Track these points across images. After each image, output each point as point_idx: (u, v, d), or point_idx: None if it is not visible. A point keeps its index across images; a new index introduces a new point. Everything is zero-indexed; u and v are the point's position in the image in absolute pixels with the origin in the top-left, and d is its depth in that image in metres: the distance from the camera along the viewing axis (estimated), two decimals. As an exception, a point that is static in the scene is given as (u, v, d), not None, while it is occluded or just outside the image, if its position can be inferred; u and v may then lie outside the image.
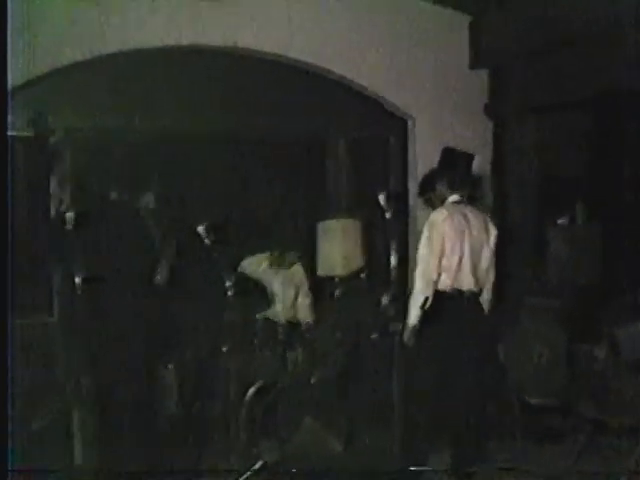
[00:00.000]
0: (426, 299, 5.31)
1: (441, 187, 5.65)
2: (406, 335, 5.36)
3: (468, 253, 5.48)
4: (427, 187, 5.78)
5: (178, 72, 6.58)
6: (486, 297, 5.62)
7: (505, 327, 6.10)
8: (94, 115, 6.38)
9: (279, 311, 6.12)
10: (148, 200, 5.63)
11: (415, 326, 5.35)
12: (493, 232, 5.65)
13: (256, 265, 6.28)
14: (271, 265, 6.25)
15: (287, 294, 6.26)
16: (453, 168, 5.76)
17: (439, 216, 5.48)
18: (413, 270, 6.21)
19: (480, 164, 6.67)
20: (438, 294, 5.44)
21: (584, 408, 5.54)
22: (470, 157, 5.93)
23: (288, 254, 6.27)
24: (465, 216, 5.53)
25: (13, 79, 5.80)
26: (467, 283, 5.50)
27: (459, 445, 5.63)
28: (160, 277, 5.42)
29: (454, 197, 5.59)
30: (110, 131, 6.49)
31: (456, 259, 5.44)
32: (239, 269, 6.08)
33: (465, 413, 5.61)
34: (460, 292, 5.48)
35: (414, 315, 5.34)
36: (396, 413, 5.46)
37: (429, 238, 5.43)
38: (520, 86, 6.88)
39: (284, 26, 6.59)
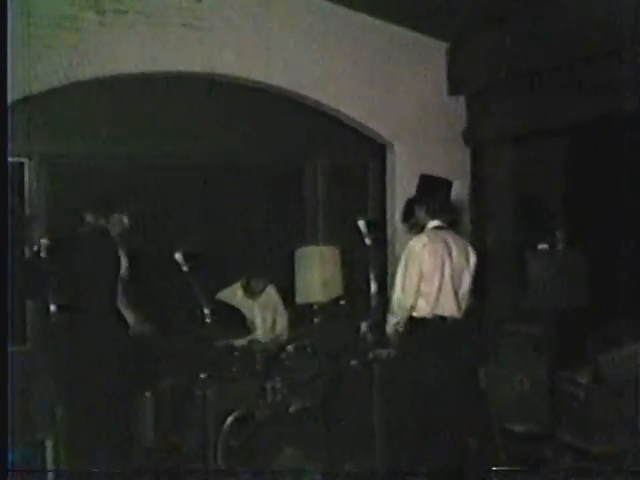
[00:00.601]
0: (397, 323, 5.29)
1: (420, 213, 5.63)
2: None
3: (448, 278, 5.45)
4: (408, 214, 5.76)
5: (155, 98, 6.55)
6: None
7: (486, 354, 6.06)
8: (69, 141, 6.32)
9: (259, 336, 6.09)
10: (122, 227, 5.56)
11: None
12: (473, 258, 5.64)
13: (231, 296, 6.31)
14: (245, 293, 6.27)
15: (266, 319, 6.28)
16: (431, 194, 5.75)
17: (418, 243, 5.46)
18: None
19: (459, 190, 6.67)
20: (418, 321, 5.41)
21: (566, 435, 5.50)
22: (448, 183, 5.94)
23: (256, 281, 6.30)
24: (446, 242, 5.50)
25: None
26: (449, 309, 5.46)
27: (441, 471, 5.57)
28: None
29: (434, 223, 5.56)
30: (85, 157, 6.43)
31: (436, 285, 5.41)
32: (217, 298, 6.07)
33: (446, 441, 5.56)
34: (442, 318, 5.45)
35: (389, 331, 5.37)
36: (377, 440, 5.40)
37: (406, 264, 5.41)
38: (498, 113, 6.90)
39: (262, 53, 6.59)
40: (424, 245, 5.43)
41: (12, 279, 5.86)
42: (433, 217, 5.57)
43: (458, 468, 5.48)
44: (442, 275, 5.43)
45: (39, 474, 4.67)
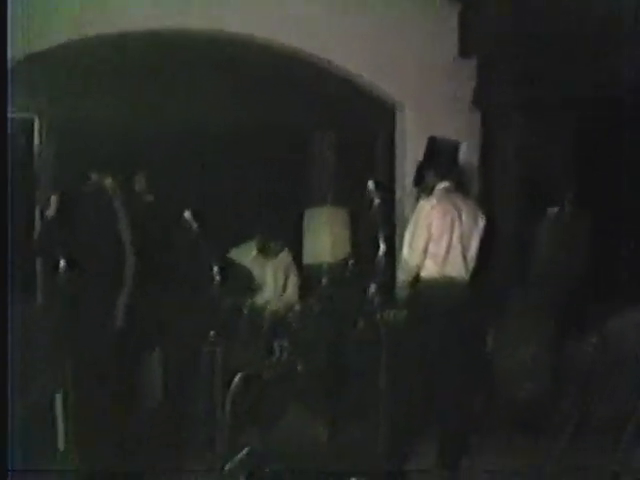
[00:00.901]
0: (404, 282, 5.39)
1: (429, 175, 5.62)
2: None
3: (457, 240, 5.46)
4: (420, 178, 5.75)
5: (161, 57, 6.49)
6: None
7: (492, 321, 6.08)
8: (78, 99, 6.29)
9: (270, 298, 6.08)
10: (129, 187, 5.54)
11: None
12: (482, 221, 5.63)
13: (245, 254, 6.25)
14: (260, 254, 6.23)
15: (278, 281, 6.25)
16: (440, 156, 5.73)
17: (427, 203, 5.46)
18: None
19: (468, 154, 6.65)
20: (426, 282, 5.44)
21: (571, 402, 5.52)
22: (456, 144, 5.89)
23: (275, 243, 6.26)
24: (455, 204, 5.50)
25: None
26: (457, 270, 5.48)
27: (445, 437, 5.61)
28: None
29: (443, 184, 5.56)
30: (91, 115, 6.41)
31: (444, 246, 5.42)
32: (228, 256, 6.03)
33: (451, 405, 5.59)
34: (450, 279, 5.47)
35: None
36: (382, 402, 5.43)
37: (415, 223, 5.43)
38: (508, 77, 6.85)
39: (272, 12, 6.51)
40: (433, 206, 5.43)
41: (21, 236, 5.95)
42: (442, 178, 5.58)
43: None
44: (451, 236, 5.44)
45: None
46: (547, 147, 7.10)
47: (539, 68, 6.47)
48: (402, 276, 5.50)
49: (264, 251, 6.26)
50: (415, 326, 5.48)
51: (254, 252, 6.28)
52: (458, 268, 5.49)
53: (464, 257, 5.52)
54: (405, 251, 5.45)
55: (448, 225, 5.44)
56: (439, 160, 5.67)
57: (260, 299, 5.96)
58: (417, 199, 5.81)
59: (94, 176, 5.06)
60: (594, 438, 5.59)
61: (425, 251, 5.39)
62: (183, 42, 6.48)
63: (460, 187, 5.69)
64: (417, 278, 5.47)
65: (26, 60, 5.93)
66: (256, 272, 6.05)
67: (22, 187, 6.21)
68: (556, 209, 6.34)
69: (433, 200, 5.48)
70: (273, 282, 6.27)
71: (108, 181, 4.97)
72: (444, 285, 5.46)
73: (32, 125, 6.26)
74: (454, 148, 5.88)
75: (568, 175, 7.03)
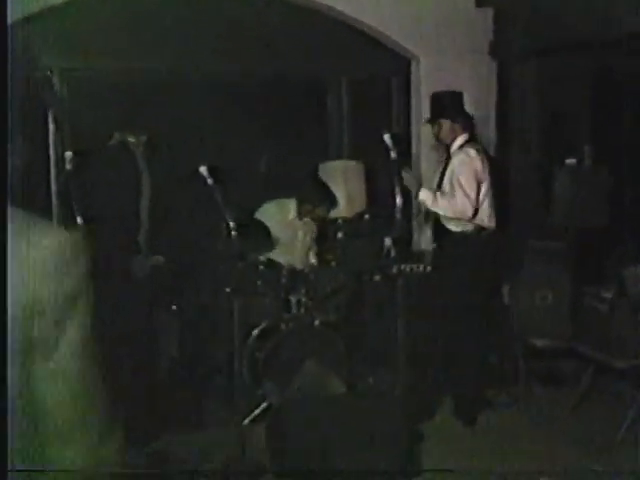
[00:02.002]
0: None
1: (446, 128, 5.59)
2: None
3: (487, 190, 5.47)
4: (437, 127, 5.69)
5: (176, 12, 6.42)
6: None
7: (510, 269, 6.07)
8: (92, 54, 6.25)
9: (295, 260, 5.98)
10: (145, 143, 5.52)
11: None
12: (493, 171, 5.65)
13: (281, 213, 6.09)
14: (300, 215, 6.11)
15: (306, 242, 6.13)
16: (455, 108, 5.68)
17: (472, 152, 5.45)
18: (416, 212, 6.21)
19: (485, 104, 6.59)
20: (452, 234, 5.45)
21: (588, 350, 5.52)
22: (460, 95, 5.80)
23: (320, 208, 6.13)
24: (484, 153, 5.52)
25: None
26: (488, 220, 5.50)
27: (462, 387, 5.64)
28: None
29: (465, 136, 5.54)
30: (107, 72, 6.37)
31: (481, 196, 5.44)
32: (257, 214, 5.97)
33: (468, 355, 5.61)
34: (480, 229, 5.47)
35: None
36: (400, 355, 5.46)
37: (466, 171, 5.42)
38: (526, 26, 6.75)
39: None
40: (478, 153, 5.43)
41: (38, 193, 5.97)
42: (463, 130, 5.56)
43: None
44: (486, 186, 5.46)
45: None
46: (565, 97, 7.01)
47: (556, 15, 6.36)
48: (457, 226, 5.47)
49: (309, 214, 6.09)
50: (440, 276, 5.50)
51: (292, 213, 6.08)
52: (489, 218, 5.50)
53: (492, 207, 5.53)
54: (460, 200, 5.39)
55: (484, 176, 5.45)
56: (458, 111, 5.64)
57: (282, 259, 5.89)
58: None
59: (117, 134, 5.05)
60: (612, 387, 5.63)
61: (478, 198, 5.43)
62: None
63: (475, 138, 5.67)
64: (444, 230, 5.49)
65: (39, 15, 5.90)
66: (288, 233, 5.97)
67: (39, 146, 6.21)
68: (574, 160, 6.28)
69: (473, 149, 5.47)
70: (302, 241, 6.11)
71: (130, 138, 4.96)
72: (476, 234, 5.47)
73: (51, 82, 6.21)
74: (460, 98, 5.79)
75: (587, 126, 6.95)
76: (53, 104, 5.52)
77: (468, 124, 5.60)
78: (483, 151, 5.60)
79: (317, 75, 7.09)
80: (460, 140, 5.53)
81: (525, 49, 6.87)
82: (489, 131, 6.84)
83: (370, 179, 6.46)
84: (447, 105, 5.66)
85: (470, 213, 5.39)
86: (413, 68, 7.07)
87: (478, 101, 6.32)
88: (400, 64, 7.11)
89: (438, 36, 6.89)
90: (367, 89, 7.15)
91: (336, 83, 7.11)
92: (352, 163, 6.49)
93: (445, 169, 5.56)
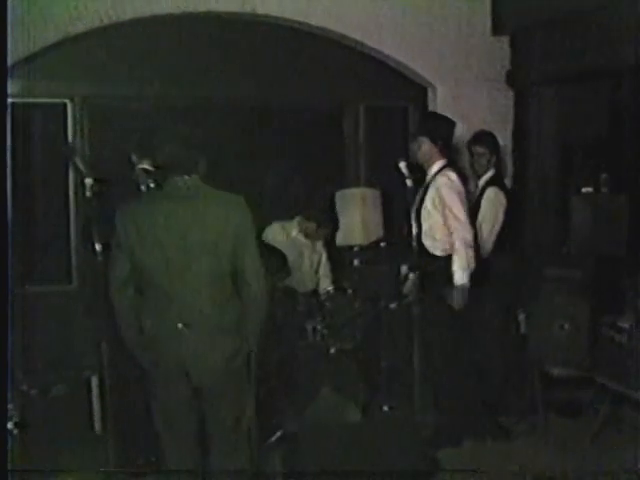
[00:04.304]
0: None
1: (431, 147, 5.56)
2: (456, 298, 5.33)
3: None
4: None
5: (195, 39, 6.50)
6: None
7: (527, 298, 6.05)
8: (110, 83, 6.32)
9: (304, 279, 6.06)
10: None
11: (465, 286, 5.33)
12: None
13: (283, 233, 6.22)
14: (303, 234, 6.23)
15: (313, 262, 6.23)
16: (439, 132, 5.66)
17: (454, 174, 5.45)
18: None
19: (501, 133, 6.60)
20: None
21: (606, 380, 5.48)
22: (451, 122, 5.79)
23: (322, 228, 6.21)
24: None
25: (29, 47, 5.80)
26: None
27: (478, 415, 5.61)
28: None
29: (443, 161, 5.54)
30: (126, 99, 6.44)
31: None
32: (262, 236, 6.02)
33: (485, 384, 5.60)
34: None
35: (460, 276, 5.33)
36: (415, 382, 5.43)
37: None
38: (542, 54, 6.77)
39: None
40: (457, 175, 5.46)
41: (57, 220, 6.01)
42: (441, 155, 5.55)
43: None
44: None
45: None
46: (582, 125, 7.01)
47: (573, 43, 6.38)
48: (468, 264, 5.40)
49: (311, 233, 6.22)
50: (447, 307, 5.48)
51: (294, 232, 6.24)
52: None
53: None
54: (461, 233, 5.34)
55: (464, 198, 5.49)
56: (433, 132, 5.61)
57: (293, 281, 5.94)
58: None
59: (134, 158, 5.07)
60: (631, 416, 5.59)
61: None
62: (214, 24, 6.50)
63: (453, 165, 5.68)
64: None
65: (61, 44, 5.99)
66: (288, 251, 6.02)
67: (55, 173, 6.27)
68: (591, 189, 6.27)
69: (454, 173, 5.47)
70: (308, 261, 6.23)
71: (147, 164, 4.98)
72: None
73: (66, 109, 6.28)
74: (451, 126, 5.76)
75: (604, 154, 6.94)
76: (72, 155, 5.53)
77: (445, 152, 5.59)
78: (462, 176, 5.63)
79: (335, 102, 7.14)
80: (438, 165, 5.53)
81: (542, 77, 6.90)
82: (506, 159, 6.85)
83: (386, 206, 6.48)
84: (432, 126, 5.65)
85: (470, 237, 5.39)
86: (430, 96, 7.11)
87: (495, 129, 6.32)
88: (417, 92, 7.15)
89: (455, 64, 6.94)
90: (384, 116, 7.19)
91: (354, 110, 7.15)
92: (369, 190, 6.52)
93: (425, 192, 5.54)
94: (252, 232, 3.97)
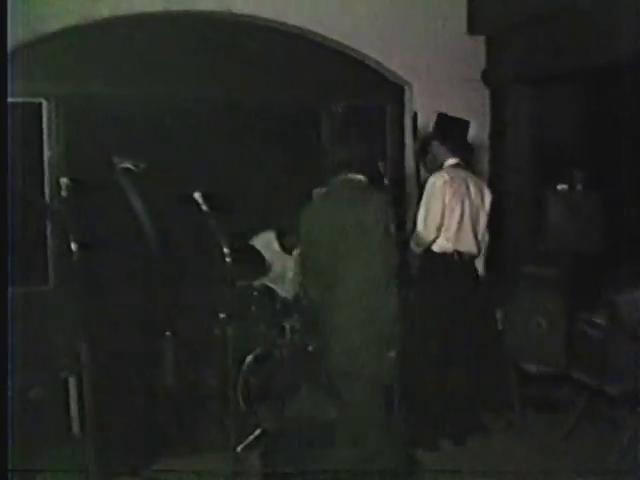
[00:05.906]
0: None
1: (439, 150, 5.66)
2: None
3: (468, 215, 5.52)
4: (425, 149, 5.78)
5: (171, 38, 6.48)
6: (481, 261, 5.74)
7: (503, 295, 6.08)
8: (86, 82, 6.29)
9: (288, 289, 6.02)
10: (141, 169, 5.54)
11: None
12: (488, 197, 5.72)
13: (265, 245, 6.19)
14: (281, 247, 6.21)
15: (296, 279, 6.18)
16: (450, 133, 5.75)
17: (440, 179, 5.51)
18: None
19: (477, 131, 6.64)
20: (437, 256, 5.48)
21: (582, 376, 5.53)
22: (466, 123, 5.91)
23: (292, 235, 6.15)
24: (464, 180, 5.56)
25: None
26: (468, 245, 5.55)
27: (455, 413, 5.63)
28: None
29: (453, 161, 5.60)
30: (103, 98, 6.41)
31: (455, 221, 5.48)
32: (254, 240, 6.02)
33: (461, 381, 5.62)
34: (460, 254, 5.51)
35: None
36: (394, 380, 5.44)
37: (428, 199, 5.47)
38: (517, 53, 6.82)
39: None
40: (445, 182, 5.48)
41: (33, 219, 5.98)
42: (452, 155, 5.61)
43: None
44: (462, 212, 5.49)
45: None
46: (557, 123, 7.07)
47: (548, 43, 6.43)
48: (416, 250, 5.54)
49: (289, 246, 6.16)
50: (425, 300, 5.52)
51: (274, 244, 6.20)
52: (469, 243, 5.55)
53: (474, 232, 5.58)
54: (420, 226, 5.48)
55: (459, 200, 5.51)
56: (451, 136, 5.71)
57: (270, 278, 5.93)
58: (417, 172, 5.82)
59: (115, 159, 5.04)
60: (606, 413, 5.63)
61: (440, 226, 5.44)
62: (190, 23, 6.49)
63: (467, 164, 5.73)
64: (431, 253, 5.52)
65: (36, 42, 5.95)
66: (277, 266, 6.00)
67: (33, 171, 6.23)
68: (566, 186, 6.32)
69: (445, 175, 5.52)
70: (293, 273, 6.18)
71: (125, 166, 4.96)
72: (455, 260, 5.51)
73: (41, 108, 6.25)
74: (465, 125, 5.90)
75: (578, 152, 7.00)
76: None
77: (459, 149, 5.67)
78: (470, 176, 5.66)
79: (312, 102, 7.14)
80: (449, 163, 5.60)
81: (517, 76, 6.94)
82: (481, 157, 6.89)
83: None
84: (442, 127, 5.76)
85: (428, 238, 5.47)
86: (406, 95, 7.13)
87: (471, 127, 6.35)
88: (393, 91, 7.17)
89: (431, 63, 6.98)
90: (361, 116, 7.20)
91: (330, 110, 7.15)
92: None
93: None
94: None
